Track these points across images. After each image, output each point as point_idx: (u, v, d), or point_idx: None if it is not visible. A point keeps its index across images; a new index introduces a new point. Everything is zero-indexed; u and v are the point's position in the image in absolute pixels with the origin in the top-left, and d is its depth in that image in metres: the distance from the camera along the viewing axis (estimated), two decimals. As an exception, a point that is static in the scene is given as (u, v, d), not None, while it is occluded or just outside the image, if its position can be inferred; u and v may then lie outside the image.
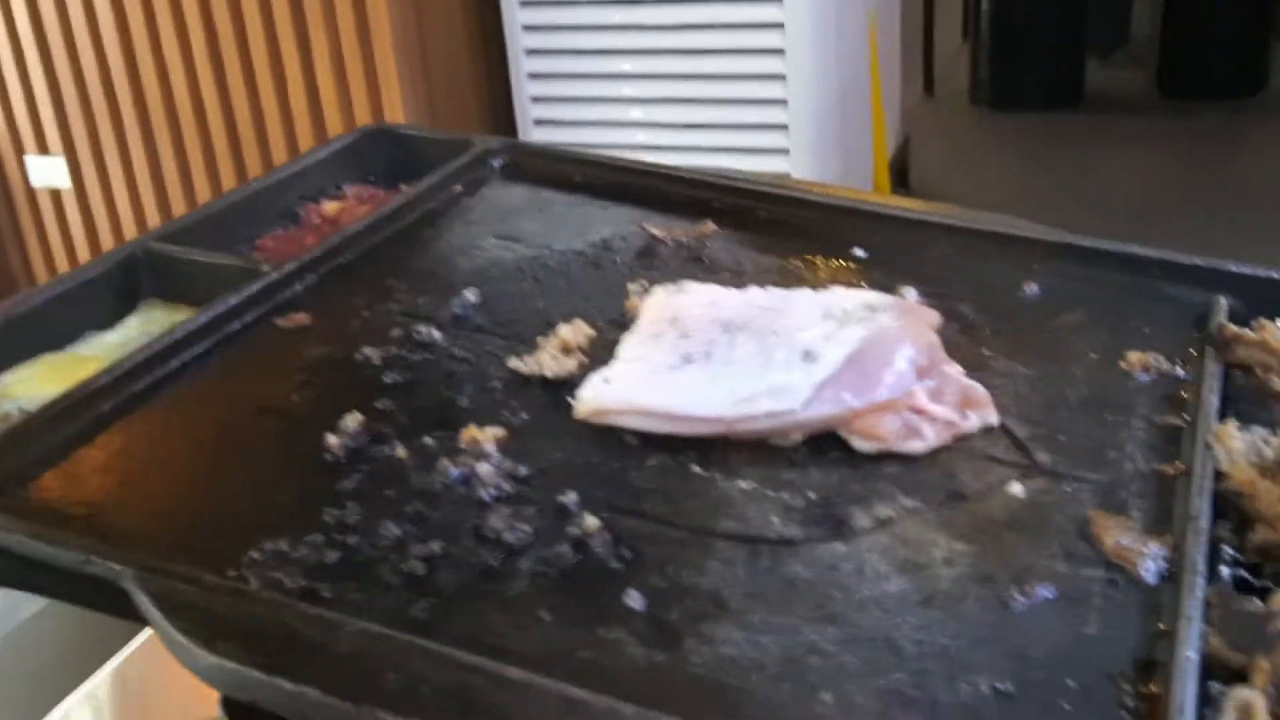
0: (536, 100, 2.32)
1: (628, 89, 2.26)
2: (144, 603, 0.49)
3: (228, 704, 0.67)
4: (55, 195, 2.59)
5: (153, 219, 2.46)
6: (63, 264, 2.63)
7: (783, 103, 2.16)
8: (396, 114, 2.18)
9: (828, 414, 0.61)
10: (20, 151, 2.57)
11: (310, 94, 2.25)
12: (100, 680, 0.72)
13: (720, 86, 2.20)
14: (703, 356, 0.64)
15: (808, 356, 0.63)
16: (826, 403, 0.61)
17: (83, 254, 2.58)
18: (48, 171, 2.59)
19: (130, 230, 2.52)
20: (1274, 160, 2.98)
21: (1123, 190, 2.84)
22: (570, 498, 0.57)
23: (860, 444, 0.61)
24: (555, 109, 2.32)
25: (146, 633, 0.76)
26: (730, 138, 2.22)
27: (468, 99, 2.36)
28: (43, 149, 2.56)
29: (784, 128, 2.18)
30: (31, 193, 2.62)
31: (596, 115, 2.29)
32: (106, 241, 2.58)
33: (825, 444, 0.61)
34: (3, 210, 2.63)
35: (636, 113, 2.26)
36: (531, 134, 2.33)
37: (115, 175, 2.49)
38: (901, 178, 2.92)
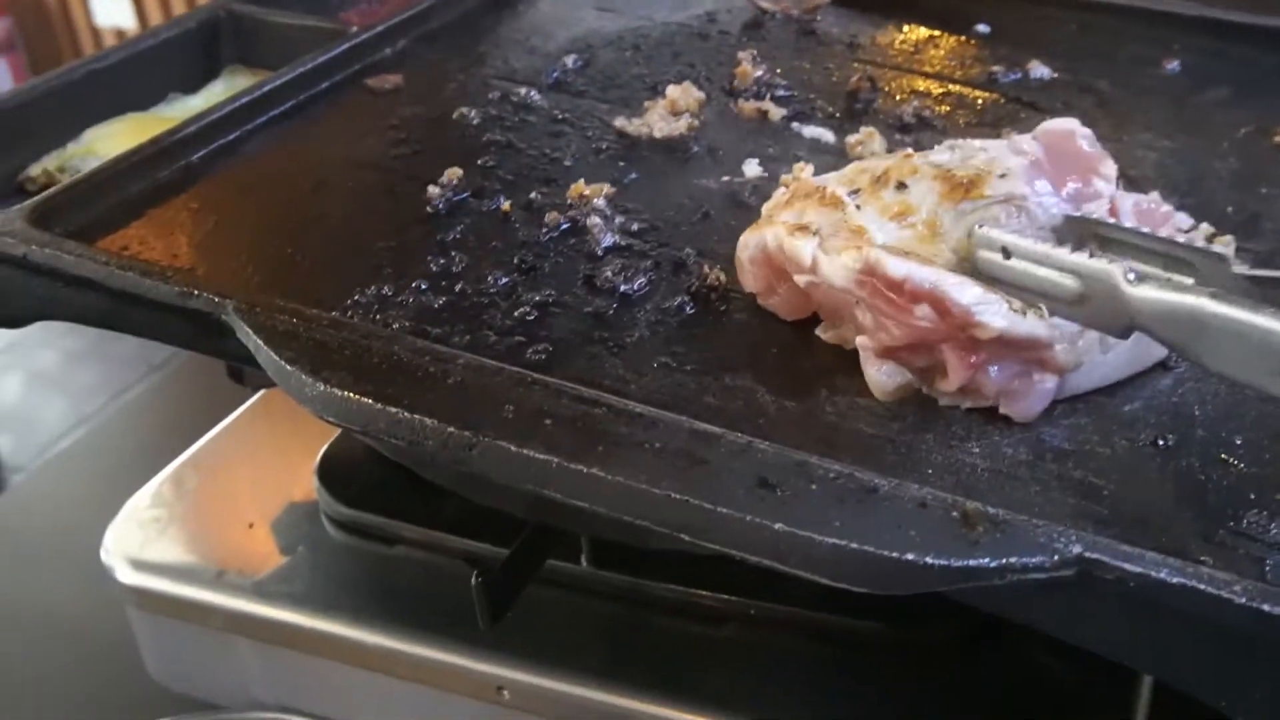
0: None
1: None
2: (247, 333, 0.46)
3: (322, 472, 0.65)
4: (120, 36, 2.56)
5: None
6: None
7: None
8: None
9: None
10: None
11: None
12: (176, 467, 0.70)
13: None
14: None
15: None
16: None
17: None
18: (110, 9, 2.55)
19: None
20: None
21: None
22: (687, 252, 0.54)
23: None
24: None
25: (225, 422, 0.74)
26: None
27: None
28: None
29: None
30: (96, 32, 2.58)
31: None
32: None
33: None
34: (68, 54, 2.59)
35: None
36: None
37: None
38: None
